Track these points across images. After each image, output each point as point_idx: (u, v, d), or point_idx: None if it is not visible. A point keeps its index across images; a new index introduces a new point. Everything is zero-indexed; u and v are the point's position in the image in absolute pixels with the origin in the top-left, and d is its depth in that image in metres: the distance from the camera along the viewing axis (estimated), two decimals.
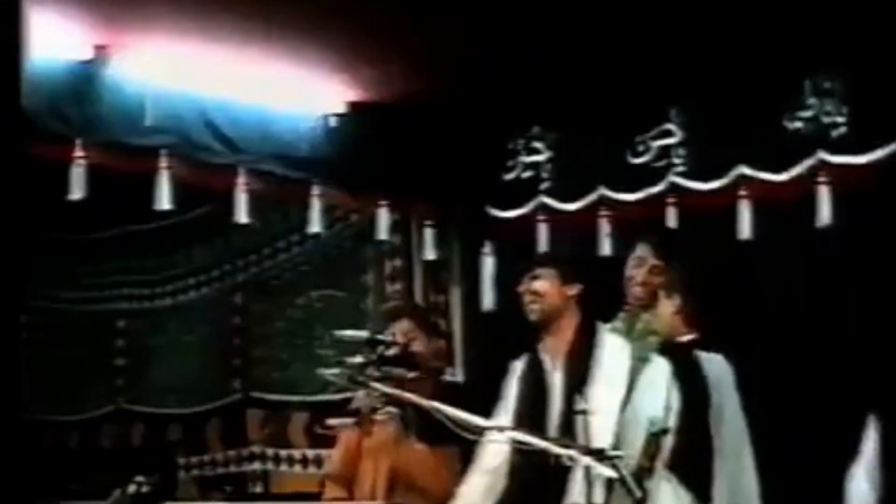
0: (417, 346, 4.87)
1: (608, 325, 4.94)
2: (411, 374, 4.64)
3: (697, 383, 4.47)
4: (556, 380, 4.47)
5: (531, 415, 4.39)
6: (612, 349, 4.47)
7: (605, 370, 4.41)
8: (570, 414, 4.21)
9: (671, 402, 4.36)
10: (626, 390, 4.38)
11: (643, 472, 4.30)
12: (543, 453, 3.65)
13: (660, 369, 4.43)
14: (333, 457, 5.04)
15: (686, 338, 4.57)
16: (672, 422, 4.34)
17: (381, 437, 4.70)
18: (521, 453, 4.21)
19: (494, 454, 4.44)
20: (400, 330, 4.87)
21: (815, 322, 5.24)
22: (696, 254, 4.94)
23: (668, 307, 4.60)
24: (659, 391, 4.37)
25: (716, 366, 4.58)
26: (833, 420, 5.03)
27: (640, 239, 4.91)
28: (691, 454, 4.36)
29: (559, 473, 4.14)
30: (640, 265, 4.81)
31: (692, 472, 4.35)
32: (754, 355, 4.80)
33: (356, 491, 4.83)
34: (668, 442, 4.34)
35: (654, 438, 4.31)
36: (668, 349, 4.52)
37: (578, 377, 4.38)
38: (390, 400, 4.29)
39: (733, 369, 4.58)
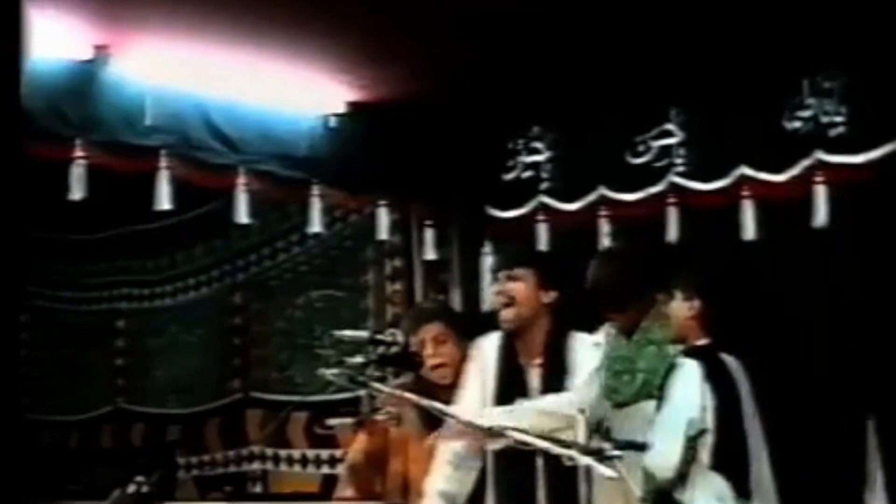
0: (448, 349, 4.79)
1: (602, 329, 4.92)
2: (443, 381, 4.62)
3: (729, 383, 4.46)
4: (534, 384, 4.38)
5: None
6: (585, 351, 4.39)
7: (580, 371, 4.33)
8: None
9: (706, 402, 4.36)
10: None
11: (681, 477, 4.31)
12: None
13: (691, 372, 4.42)
14: (351, 453, 4.98)
15: (702, 341, 4.56)
16: (709, 423, 4.34)
17: (399, 435, 4.67)
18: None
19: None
20: (430, 333, 4.79)
21: (816, 324, 5.24)
22: (646, 282, 4.88)
23: (684, 310, 4.58)
24: (693, 393, 4.36)
25: (735, 368, 4.58)
26: (835, 421, 5.05)
27: (589, 293, 4.84)
28: (730, 453, 4.36)
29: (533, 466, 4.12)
30: (603, 311, 4.75)
31: (732, 470, 4.35)
32: (763, 358, 4.80)
33: (376, 488, 4.79)
34: (708, 442, 4.34)
35: (692, 442, 4.31)
36: (692, 353, 4.51)
37: (555, 382, 4.30)
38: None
39: (746, 373, 4.58)
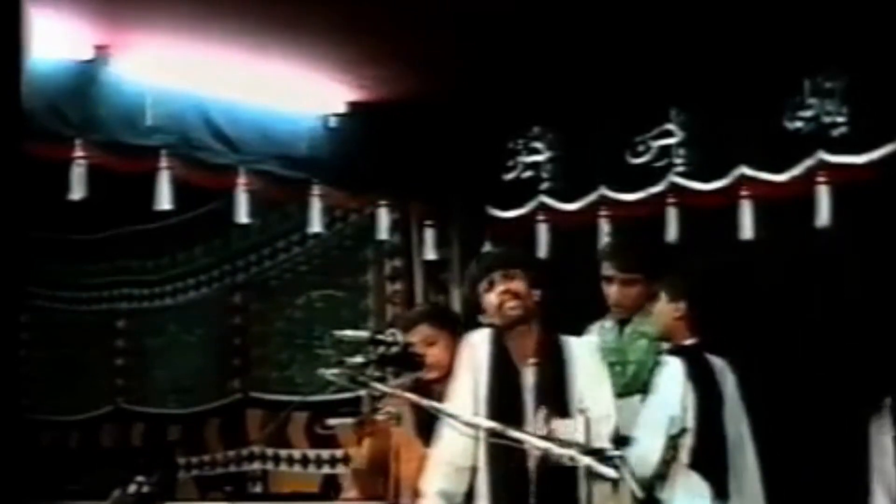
0: (438, 349, 4.78)
1: (595, 325, 4.92)
2: (431, 375, 4.63)
3: (711, 384, 4.48)
4: (529, 383, 4.35)
5: (506, 417, 4.15)
6: (584, 353, 4.37)
7: (581, 373, 4.31)
8: (542, 416, 4.18)
9: (688, 402, 4.38)
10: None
11: (660, 475, 4.32)
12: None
13: (675, 370, 4.42)
14: (360, 453, 4.97)
15: (689, 341, 4.57)
16: (690, 422, 4.36)
17: (397, 436, 4.66)
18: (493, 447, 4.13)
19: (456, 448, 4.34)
20: (419, 336, 4.79)
21: (815, 323, 5.24)
22: (661, 261, 4.94)
23: (670, 311, 4.59)
24: (675, 391, 4.37)
25: (720, 369, 4.60)
26: (833, 422, 5.05)
27: (602, 257, 4.91)
28: (710, 452, 4.36)
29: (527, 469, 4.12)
30: (611, 283, 4.82)
31: (711, 470, 4.36)
32: (754, 359, 4.81)
33: (379, 490, 4.79)
34: (688, 441, 4.35)
35: (673, 441, 4.32)
36: (677, 351, 4.52)
37: (550, 381, 4.28)
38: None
39: (734, 374, 4.59)
